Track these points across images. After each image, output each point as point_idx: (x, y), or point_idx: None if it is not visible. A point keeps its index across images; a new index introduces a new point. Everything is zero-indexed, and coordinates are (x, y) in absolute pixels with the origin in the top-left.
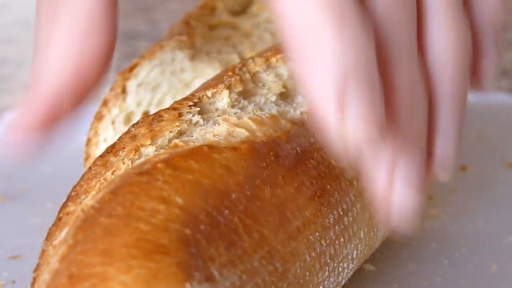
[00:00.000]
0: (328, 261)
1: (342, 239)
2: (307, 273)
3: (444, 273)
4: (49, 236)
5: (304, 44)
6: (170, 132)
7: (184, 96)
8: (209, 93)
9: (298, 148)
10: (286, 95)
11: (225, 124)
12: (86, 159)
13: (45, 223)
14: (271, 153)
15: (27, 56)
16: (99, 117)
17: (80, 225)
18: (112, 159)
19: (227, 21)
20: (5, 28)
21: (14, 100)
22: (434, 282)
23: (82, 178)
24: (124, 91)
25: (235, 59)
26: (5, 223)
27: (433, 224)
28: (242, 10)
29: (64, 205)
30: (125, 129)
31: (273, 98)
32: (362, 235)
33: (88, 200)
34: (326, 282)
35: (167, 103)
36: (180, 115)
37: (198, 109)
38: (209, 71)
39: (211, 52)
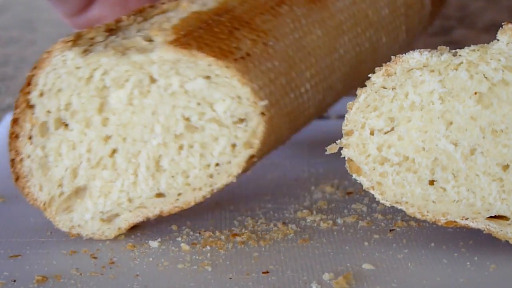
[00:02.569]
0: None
1: None
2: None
3: (443, 272)
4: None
5: None
6: None
7: (88, 92)
8: None
9: None
10: None
11: None
12: (17, 179)
13: (45, 223)
14: None
15: (27, 56)
16: (14, 137)
17: None
18: None
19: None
20: (5, 29)
21: (15, 100)
22: (434, 281)
23: None
24: (29, 105)
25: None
26: (5, 222)
27: (432, 223)
28: None
29: None
30: (44, 140)
31: None
32: None
33: None
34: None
35: (76, 104)
36: None
37: None
38: (104, 60)
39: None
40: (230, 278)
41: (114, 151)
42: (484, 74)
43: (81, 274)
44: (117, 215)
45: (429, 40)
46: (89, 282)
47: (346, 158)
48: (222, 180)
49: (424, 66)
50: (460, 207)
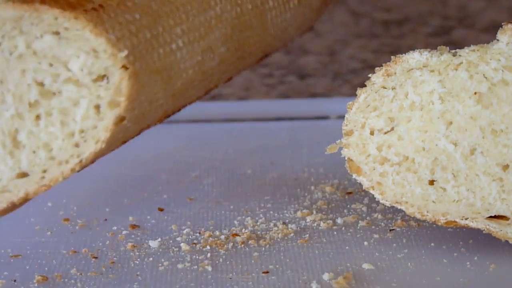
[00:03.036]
0: None
1: None
2: None
3: (443, 272)
4: None
5: None
6: None
7: None
8: None
9: None
10: None
11: None
12: None
13: (45, 223)
14: None
15: None
16: None
17: None
18: None
19: None
20: None
21: None
22: (433, 281)
23: None
24: None
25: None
26: (6, 222)
27: (432, 223)
28: None
29: None
30: None
31: None
32: None
33: None
34: None
35: None
36: None
37: None
38: None
39: None
40: (230, 278)
41: None
42: (484, 74)
43: (81, 274)
44: None
45: (429, 40)
46: (89, 282)
47: (346, 158)
48: (89, 148)
49: (424, 66)
50: (460, 207)
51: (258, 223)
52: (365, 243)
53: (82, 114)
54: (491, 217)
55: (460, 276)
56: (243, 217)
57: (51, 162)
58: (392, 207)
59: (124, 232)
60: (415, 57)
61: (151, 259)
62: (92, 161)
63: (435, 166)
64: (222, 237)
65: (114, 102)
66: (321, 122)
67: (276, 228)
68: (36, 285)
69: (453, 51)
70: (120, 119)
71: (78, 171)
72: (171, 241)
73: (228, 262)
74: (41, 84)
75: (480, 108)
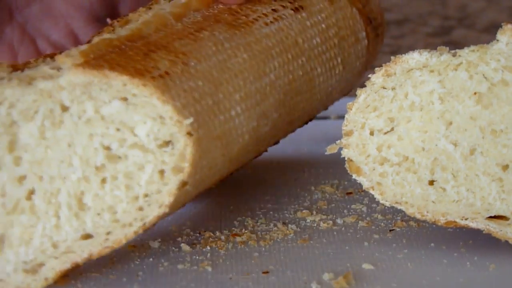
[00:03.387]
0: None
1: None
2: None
3: (443, 272)
4: None
5: None
6: None
7: None
8: None
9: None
10: None
11: None
12: None
13: None
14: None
15: None
16: None
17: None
18: None
19: None
20: None
21: None
22: (433, 281)
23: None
24: None
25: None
26: None
27: (432, 224)
28: None
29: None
30: None
31: None
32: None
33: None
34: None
35: None
36: None
37: None
38: (9, 91)
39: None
40: (230, 278)
41: (31, 193)
42: (483, 74)
43: (81, 274)
44: (41, 264)
45: (429, 40)
46: (89, 282)
47: (346, 159)
48: (153, 212)
49: (423, 67)
50: (460, 207)
51: (258, 224)
52: (365, 243)
53: (147, 179)
54: (491, 217)
55: (460, 276)
56: (243, 217)
57: (115, 225)
58: (392, 207)
59: None
60: (415, 57)
61: (151, 259)
62: (154, 224)
63: (435, 166)
64: (222, 237)
65: (178, 168)
66: (321, 122)
67: (276, 229)
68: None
69: (453, 51)
70: (183, 184)
71: (141, 233)
72: (171, 242)
73: (228, 263)
74: (108, 148)
75: (480, 108)
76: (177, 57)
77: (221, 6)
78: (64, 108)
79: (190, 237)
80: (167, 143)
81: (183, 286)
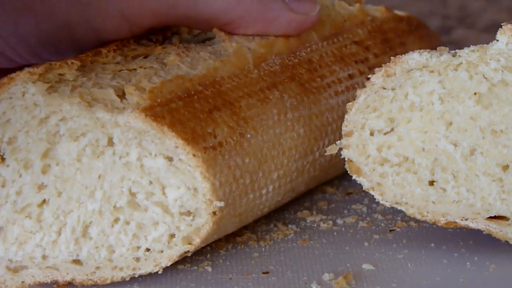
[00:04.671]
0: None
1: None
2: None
3: (443, 272)
4: None
5: None
6: None
7: (38, 133)
8: None
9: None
10: None
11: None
12: None
13: None
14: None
15: None
16: None
17: None
18: None
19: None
20: None
21: None
22: (434, 281)
23: None
24: None
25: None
26: None
27: (432, 224)
28: None
29: None
30: None
31: None
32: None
33: None
34: None
35: (21, 141)
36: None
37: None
38: (66, 107)
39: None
40: (230, 279)
41: (44, 202)
42: (483, 75)
43: None
44: (25, 267)
45: None
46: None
47: (346, 159)
48: (147, 267)
49: (423, 67)
50: (460, 207)
51: (258, 224)
52: (365, 243)
53: (156, 237)
54: (491, 217)
55: (460, 277)
56: None
57: (107, 263)
58: (392, 207)
59: None
60: (414, 58)
61: None
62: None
63: (435, 166)
64: (222, 237)
65: (189, 239)
66: None
67: (276, 229)
68: (35, 285)
69: (453, 51)
70: (185, 253)
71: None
72: None
73: (228, 263)
74: (133, 195)
75: (480, 108)
76: (238, 124)
77: (304, 53)
78: (110, 143)
79: None
80: (189, 213)
81: (183, 286)
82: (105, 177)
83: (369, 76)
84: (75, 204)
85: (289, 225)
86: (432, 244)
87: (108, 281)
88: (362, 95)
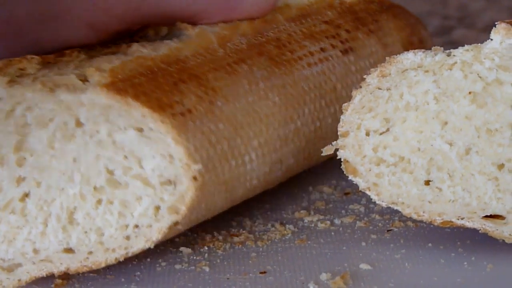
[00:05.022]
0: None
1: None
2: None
3: (440, 272)
4: None
5: None
6: None
7: (6, 127)
8: None
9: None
10: None
11: None
12: None
13: None
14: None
15: None
16: None
17: None
18: None
19: None
20: None
21: None
22: (431, 281)
23: None
24: None
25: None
26: None
27: (429, 224)
28: None
29: None
30: None
31: None
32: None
33: None
34: None
35: None
36: None
37: None
38: (29, 95)
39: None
40: (228, 279)
41: (25, 195)
42: (478, 74)
43: (79, 275)
44: (19, 265)
45: None
46: (87, 282)
47: (342, 159)
48: (139, 244)
49: (418, 67)
50: (456, 206)
51: (256, 224)
52: (363, 243)
53: (141, 211)
54: (487, 216)
55: (457, 276)
56: (241, 217)
57: (99, 247)
58: (390, 207)
59: None
60: (409, 58)
61: (148, 259)
62: (137, 255)
63: (431, 166)
64: (220, 237)
65: (174, 208)
66: None
67: (273, 229)
68: (34, 285)
69: (447, 51)
70: (175, 224)
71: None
72: (169, 242)
73: (225, 263)
74: (111, 173)
75: (475, 107)
76: (206, 93)
77: (272, 33)
78: (79, 124)
79: (187, 237)
80: (170, 182)
81: (180, 286)
82: (80, 159)
83: (364, 76)
84: (56, 192)
85: (287, 225)
86: (430, 244)
87: (103, 265)
88: (358, 96)
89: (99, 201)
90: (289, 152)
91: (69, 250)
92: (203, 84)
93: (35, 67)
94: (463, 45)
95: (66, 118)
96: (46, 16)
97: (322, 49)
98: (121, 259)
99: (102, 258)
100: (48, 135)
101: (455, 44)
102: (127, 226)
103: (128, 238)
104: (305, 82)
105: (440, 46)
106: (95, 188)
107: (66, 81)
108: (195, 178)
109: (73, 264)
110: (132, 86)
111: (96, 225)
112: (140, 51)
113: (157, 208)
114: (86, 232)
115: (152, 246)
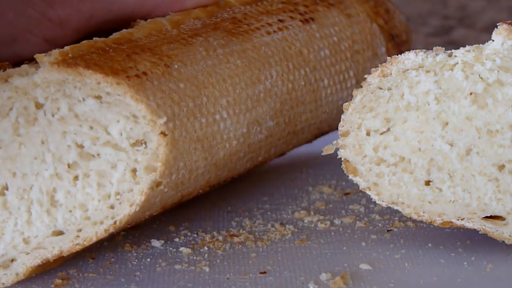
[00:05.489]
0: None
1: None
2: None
3: (440, 272)
4: None
5: None
6: None
7: None
8: None
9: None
10: None
11: None
12: None
13: None
14: None
15: None
16: None
17: None
18: None
19: None
20: None
21: None
22: (431, 281)
23: None
24: None
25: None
26: None
27: (425, 223)
28: None
29: None
30: None
31: None
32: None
33: None
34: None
35: None
36: None
37: None
38: None
39: None
40: (228, 279)
41: (3, 188)
42: (479, 75)
43: (79, 275)
44: (13, 259)
45: (429, 40)
46: (87, 282)
47: (342, 159)
48: (124, 210)
49: (419, 67)
50: (456, 207)
51: (256, 224)
52: (363, 243)
53: (119, 177)
54: (487, 217)
55: (457, 276)
56: (241, 218)
57: (86, 222)
58: (389, 207)
59: (122, 232)
60: (410, 58)
61: (148, 259)
62: (128, 223)
63: (431, 166)
64: (220, 238)
65: (150, 167)
66: None
67: (273, 229)
68: (33, 285)
69: (449, 51)
70: (157, 184)
71: (112, 232)
72: (168, 242)
73: (225, 263)
74: (81, 146)
75: (475, 108)
76: (161, 59)
77: (226, 15)
78: (38, 106)
79: (187, 237)
80: (140, 142)
81: (180, 286)
82: (48, 140)
83: (365, 76)
84: (32, 177)
85: (287, 225)
86: (430, 244)
87: (94, 239)
88: (358, 95)
89: (75, 177)
90: (265, 113)
91: (58, 232)
92: (157, 53)
93: None
94: (463, 45)
95: (25, 102)
96: (4, 39)
97: (280, 20)
98: (111, 230)
99: (92, 233)
100: (11, 123)
101: (455, 44)
102: (108, 195)
103: (112, 207)
104: (266, 47)
105: (440, 46)
106: (68, 165)
107: (18, 70)
108: (163, 133)
109: (65, 245)
110: (84, 61)
111: (78, 201)
112: (91, 38)
113: (134, 170)
114: (70, 210)
115: (137, 209)
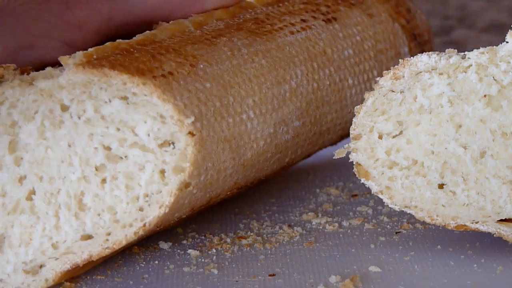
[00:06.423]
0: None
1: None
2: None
3: (450, 274)
4: None
5: None
6: None
7: None
8: None
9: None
10: None
11: None
12: None
13: None
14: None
15: None
16: None
17: None
18: None
19: None
20: None
21: None
22: (440, 283)
23: None
24: None
25: None
26: None
27: (439, 226)
28: None
29: None
30: None
31: None
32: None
33: None
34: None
35: None
36: None
37: None
38: (10, 92)
39: None
40: (237, 281)
41: (31, 193)
42: (493, 77)
43: (87, 277)
44: (42, 265)
45: None
46: (95, 285)
47: (354, 163)
48: (153, 212)
49: (432, 69)
50: (470, 210)
51: (264, 226)
52: (372, 245)
53: (147, 179)
54: (501, 220)
55: (467, 279)
56: (248, 220)
57: (115, 225)
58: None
59: None
60: (423, 60)
61: (156, 262)
62: (158, 225)
63: (445, 169)
64: (228, 240)
65: (179, 168)
66: None
67: (281, 231)
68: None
69: (462, 53)
70: (186, 185)
71: (142, 235)
72: (177, 244)
73: (234, 265)
74: (108, 148)
75: (489, 110)
76: (186, 59)
77: (248, 16)
78: (64, 108)
79: (195, 239)
80: (168, 142)
81: None
82: (75, 143)
83: (377, 79)
84: (60, 181)
85: (295, 227)
86: (439, 246)
87: (124, 242)
88: (370, 98)
89: (103, 180)
90: (291, 113)
91: (87, 237)
92: (182, 54)
93: (12, 73)
94: (463, 45)
95: (50, 105)
96: (22, 46)
97: (303, 20)
98: (141, 232)
99: (121, 236)
100: (37, 126)
101: (455, 44)
102: (137, 197)
103: (141, 209)
104: (290, 47)
105: (440, 46)
106: (96, 167)
107: (43, 73)
108: (191, 133)
109: (94, 249)
110: (109, 62)
111: (106, 204)
112: (112, 41)
113: (162, 171)
114: (98, 214)
115: (167, 211)
